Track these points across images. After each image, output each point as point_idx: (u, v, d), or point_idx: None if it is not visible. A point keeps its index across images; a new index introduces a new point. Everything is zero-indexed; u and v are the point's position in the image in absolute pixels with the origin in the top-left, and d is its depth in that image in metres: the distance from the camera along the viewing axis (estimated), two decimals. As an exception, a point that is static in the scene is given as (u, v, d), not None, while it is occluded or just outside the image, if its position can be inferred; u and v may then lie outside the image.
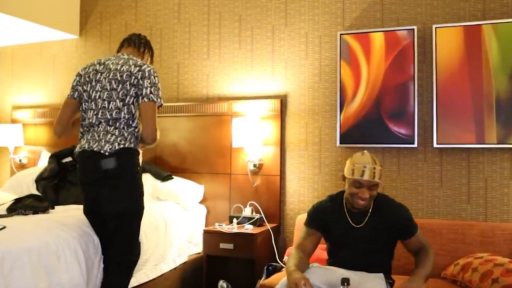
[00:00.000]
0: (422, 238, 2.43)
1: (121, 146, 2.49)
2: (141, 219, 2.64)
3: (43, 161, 4.36)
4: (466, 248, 3.02)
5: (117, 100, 2.54)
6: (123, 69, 2.57)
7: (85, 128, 2.61)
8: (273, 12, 3.89)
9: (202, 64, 4.14)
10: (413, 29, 3.39)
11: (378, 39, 3.47)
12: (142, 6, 4.37)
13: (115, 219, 2.52)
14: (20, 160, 4.75)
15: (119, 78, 2.55)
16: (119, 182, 2.50)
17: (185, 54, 4.21)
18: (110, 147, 2.48)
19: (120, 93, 2.54)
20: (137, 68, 2.56)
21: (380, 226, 2.38)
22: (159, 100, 2.57)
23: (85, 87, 2.64)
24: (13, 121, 4.87)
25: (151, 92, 2.53)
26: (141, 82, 2.54)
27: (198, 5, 4.16)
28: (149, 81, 2.55)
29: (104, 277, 2.64)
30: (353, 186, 2.32)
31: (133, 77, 2.54)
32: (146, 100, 2.52)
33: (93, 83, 2.60)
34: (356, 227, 2.39)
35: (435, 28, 3.33)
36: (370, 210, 2.40)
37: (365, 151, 2.37)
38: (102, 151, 2.47)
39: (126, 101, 2.54)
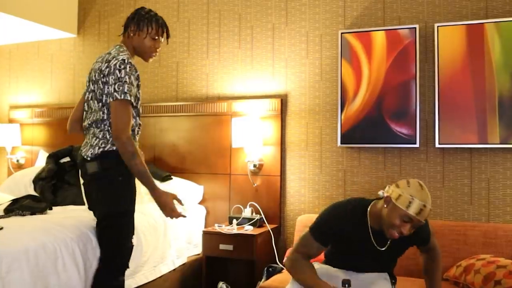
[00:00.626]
0: (433, 240, 2.30)
1: (102, 149, 2.41)
2: (128, 222, 2.52)
3: (41, 161, 4.35)
4: (469, 250, 3.01)
5: (96, 101, 2.46)
6: (97, 67, 2.47)
7: (85, 131, 2.60)
8: (274, 10, 3.89)
9: (201, 63, 4.13)
10: (415, 28, 3.38)
11: (379, 38, 3.46)
12: (141, 5, 4.36)
13: (100, 222, 2.51)
14: (17, 161, 4.74)
15: (93, 78, 2.47)
16: (103, 186, 2.45)
17: (184, 53, 4.20)
18: (92, 151, 2.43)
19: (97, 93, 2.44)
20: (106, 64, 2.40)
21: (402, 246, 2.24)
22: (123, 96, 2.34)
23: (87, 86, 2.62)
24: (11, 121, 4.86)
25: (115, 90, 2.35)
26: (107, 79, 2.38)
27: (197, 4, 4.16)
28: (113, 76, 2.36)
29: None
30: (400, 219, 1.99)
31: (102, 75, 2.41)
32: (110, 99, 2.36)
33: (88, 83, 2.57)
34: (380, 249, 2.17)
35: (437, 27, 3.32)
36: None
37: (423, 183, 2.04)
38: (85, 156, 2.46)
39: (103, 101, 2.43)
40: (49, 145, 4.61)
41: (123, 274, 2.53)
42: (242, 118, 3.75)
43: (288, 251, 3.36)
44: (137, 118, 2.52)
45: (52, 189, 3.65)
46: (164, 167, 4.06)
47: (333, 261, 2.36)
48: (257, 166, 3.78)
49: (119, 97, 2.34)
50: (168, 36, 2.63)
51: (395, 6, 3.51)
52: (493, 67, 3.19)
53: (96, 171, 2.43)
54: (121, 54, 2.41)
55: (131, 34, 2.52)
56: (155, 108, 4.18)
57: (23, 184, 3.89)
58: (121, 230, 2.50)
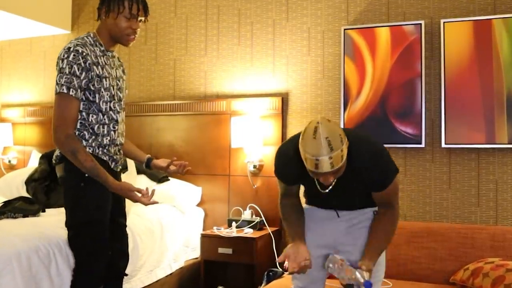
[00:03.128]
0: (393, 197, 2.12)
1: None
2: (97, 232, 2.29)
3: (34, 162, 4.34)
4: (476, 253, 3.01)
5: None
6: None
7: None
8: (274, 6, 3.88)
9: (199, 61, 4.12)
10: (420, 24, 3.38)
11: (383, 34, 3.46)
12: (137, 0, 4.35)
13: (68, 231, 2.34)
14: (9, 161, 4.73)
15: None
16: (66, 191, 2.32)
17: (182, 50, 4.19)
18: (56, 153, 2.33)
19: None
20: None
21: (350, 185, 2.07)
22: (59, 88, 2.19)
23: None
24: (2, 120, 4.85)
25: (56, 83, 2.22)
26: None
27: (195, -1, 4.16)
28: (57, 67, 2.25)
29: None
30: (311, 173, 1.91)
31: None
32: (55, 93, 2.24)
33: None
34: (323, 192, 2.07)
35: (443, 22, 3.32)
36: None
37: (319, 127, 1.81)
38: (53, 159, 2.38)
39: None
40: (42, 145, 4.60)
41: (98, 285, 2.35)
42: (241, 117, 3.74)
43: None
44: (105, 94, 2.30)
45: (45, 190, 3.64)
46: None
47: (309, 199, 2.33)
48: (257, 166, 3.77)
49: (57, 90, 2.21)
50: (146, 14, 2.35)
51: (400, 1, 3.51)
52: (501, 64, 3.18)
53: (61, 175, 2.32)
54: (71, 42, 2.26)
55: (103, 17, 2.32)
56: (151, 107, 4.17)
57: (15, 186, 3.88)
58: (92, 240, 2.29)
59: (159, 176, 3.83)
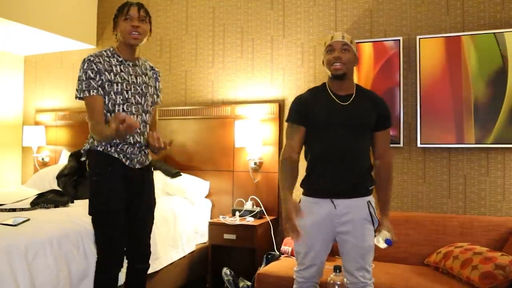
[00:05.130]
0: (389, 138, 2.26)
1: (87, 146, 2.30)
2: (107, 223, 2.26)
3: (64, 160, 4.34)
4: (447, 238, 3.00)
5: None
6: None
7: None
8: (272, 24, 3.88)
9: (207, 72, 4.12)
10: (399, 40, 3.37)
11: (367, 49, 3.45)
12: (154, 19, 4.30)
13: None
14: (42, 159, 4.73)
15: None
16: (89, 184, 2.31)
17: (192, 63, 4.19)
18: (84, 147, 2.33)
19: None
20: None
21: (364, 105, 2.16)
22: (78, 93, 2.24)
23: None
24: (36, 123, 4.85)
25: (76, 89, 2.27)
26: None
27: (204, 18, 4.15)
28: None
29: None
30: (327, 54, 2.16)
31: None
32: None
33: None
34: (342, 104, 2.15)
35: (419, 39, 3.31)
36: (354, 92, 2.19)
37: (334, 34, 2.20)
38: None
39: None
40: (71, 145, 4.59)
41: (118, 266, 2.30)
42: (244, 120, 3.74)
43: (284, 242, 3.35)
44: (117, 97, 2.26)
45: (73, 184, 3.64)
46: (174, 164, 4.05)
47: (314, 159, 2.20)
48: (257, 163, 3.77)
49: (78, 95, 2.26)
50: (146, 14, 2.35)
51: (381, 20, 3.51)
52: (469, 75, 3.18)
53: (87, 171, 2.33)
54: (88, 55, 2.29)
55: (115, 33, 2.39)
56: (166, 111, 4.17)
57: (47, 180, 3.89)
58: (103, 230, 2.27)
59: (173, 172, 3.82)
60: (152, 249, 2.61)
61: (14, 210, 2.80)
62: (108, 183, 2.25)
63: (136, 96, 2.35)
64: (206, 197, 3.94)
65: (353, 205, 2.13)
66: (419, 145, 3.31)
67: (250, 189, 3.79)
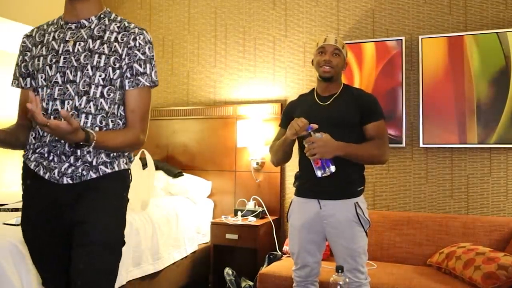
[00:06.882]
0: (381, 131, 2.19)
1: None
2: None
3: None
4: (450, 239, 3.00)
5: None
6: None
7: None
8: (274, 24, 3.88)
9: (209, 72, 4.12)
10: (401, 39, 3.37)
11: (369, 48, 3.45)
12: (156, 19, 4.35)
13: None
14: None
15: None
16: None
17: (194, 63, 4.19)
18: None
19: None
20: None
21: (345, 103, 2.18)
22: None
23: None
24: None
25: None
26: None
27: (206, 18, 4.15)
28: None
29: None
30: (318, 55, 2.24)
31: None
32: None
33: None
34: (322, 104, 2.20)
35: (421, 38, 3.31)
36: (338, 92, 2.22)
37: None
38: None
39: None
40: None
41: None
42: (246, 120, 3.74)
43: (287, 240, 3.35)
44: (39, 76, 1.57)
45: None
46: (176, 164, 4.05)
47: (301, 173, 2.34)
48: (259, 163, 3.76)
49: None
50: None
51: (384, 20, 3.50)
52: (472, 75, 3.17)
53: None
54: None
55: None
56: (168, 112, 4.17)
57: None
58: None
59: (175, 172, 3.82)
60: (154, 249, 2.58)
61: (16, 210, 2.80)
62: (23, 207, 1.61)
63: (67, 72, 1.54)
64: (208, 197, 3.93)
65: (339, 206, 2.12)
66: (421, 145, 3.30)
67: (252, 189, 3.79)
